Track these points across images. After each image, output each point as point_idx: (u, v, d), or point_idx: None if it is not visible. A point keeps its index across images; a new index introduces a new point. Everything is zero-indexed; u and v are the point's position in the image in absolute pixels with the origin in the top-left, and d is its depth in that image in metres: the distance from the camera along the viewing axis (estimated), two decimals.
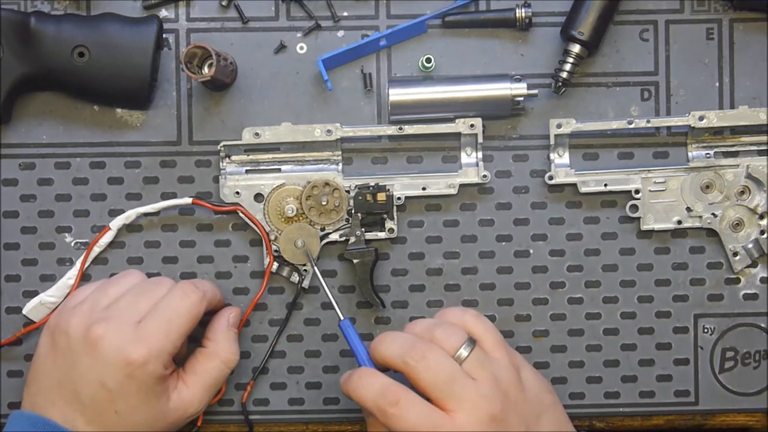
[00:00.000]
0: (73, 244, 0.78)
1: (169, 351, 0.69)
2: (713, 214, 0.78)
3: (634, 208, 0.78)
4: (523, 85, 0.76)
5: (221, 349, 0.73)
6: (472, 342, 0.67)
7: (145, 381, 0.68)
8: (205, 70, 0.74)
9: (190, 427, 0.78)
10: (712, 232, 0.79)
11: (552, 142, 0.78)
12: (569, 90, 0.78)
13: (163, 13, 0.78)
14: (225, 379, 0.75)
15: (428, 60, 0.78)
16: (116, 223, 0.77)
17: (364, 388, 0.67)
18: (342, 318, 0.73)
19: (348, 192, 0.77)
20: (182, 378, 0.72)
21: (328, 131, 0.77)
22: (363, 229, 0.77)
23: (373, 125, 0.78)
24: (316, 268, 0.75)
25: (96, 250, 0.78)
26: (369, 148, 0.79)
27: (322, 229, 0.78)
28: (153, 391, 0.69)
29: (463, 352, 0.66)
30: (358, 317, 0.79)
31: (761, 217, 0.78)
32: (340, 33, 0.78)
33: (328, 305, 0.79)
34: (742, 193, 0.78)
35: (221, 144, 0.77)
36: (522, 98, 0.76)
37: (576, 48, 0.76)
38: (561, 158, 0.78)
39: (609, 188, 0.78)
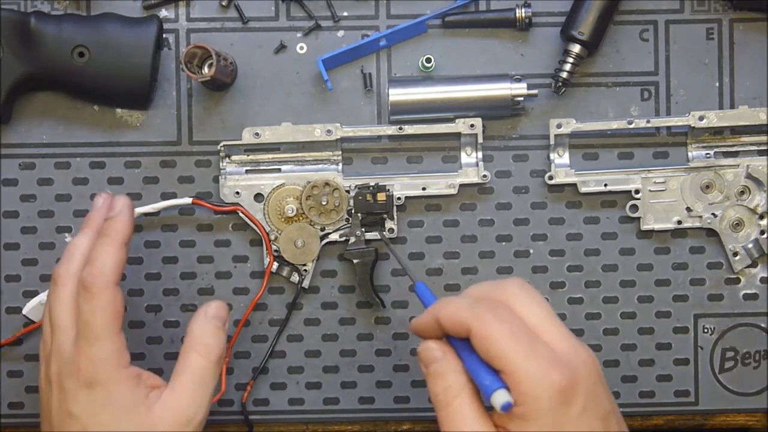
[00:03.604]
0: None
1: (110, 347, 0.64)
2: (713, 214, 0.78)
3: (634, 208, 0.78)
4: (523, 85, 0.76)
5: (196, 341, 0.67)
6: None
7: (108, 390, 0.64)
8: (205, 70, 0.74)
9: None
10: (712, 232, 0.79)
11: (552, 142, 0.78)
12: (569, 90, 0.78)
13: (163, 13, 0.78)
14: (214, 374, 0.67)
15: (428, 60, 0.78)
16: None
17: (457, 303, 0.60)
18: (414, 281, 0.68)
19: (348, 192, 0.77)
20: (168, 385, 0.67)
21: (328, 131, 0.77)
22: (363, 229, 0.77)
23: (373, 125, 0.79)
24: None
25: None
26: (369, 148, 0.79)
27: (322, 229, 0.78)
28: (123, 403, 0.64)
29: None
30: (358, 317, 0.79)
31: (761, 217, 0.78)
32: (340, 33, 0.78)
33: (328, 305, 0.79)
34: (742, 193, 0.78)
35: (221, 144, 0.77)
36: (522, 98, 0.76)
37: (576, 48, 0.76)
38: (561, 158, 0.78)
39: (609, 188, 0.78)
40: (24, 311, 0.77)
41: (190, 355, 0.66)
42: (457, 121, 0.77)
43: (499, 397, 0.57)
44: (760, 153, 0.78)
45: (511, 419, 0.57)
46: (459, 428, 0.59)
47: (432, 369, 0.61)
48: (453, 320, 0.59)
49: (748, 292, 0.79)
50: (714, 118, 0.77)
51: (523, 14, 0.77)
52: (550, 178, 0.78)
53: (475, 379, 0.59)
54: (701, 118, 0.77)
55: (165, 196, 0.78)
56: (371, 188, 0.77)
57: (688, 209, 0.78)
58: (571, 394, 0.57)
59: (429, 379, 0.61)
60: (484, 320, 0.58)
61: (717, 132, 0.78)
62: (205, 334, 0.67)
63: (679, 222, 0.78)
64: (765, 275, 0.79)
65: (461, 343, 0.60)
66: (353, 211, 0.77)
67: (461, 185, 0.78)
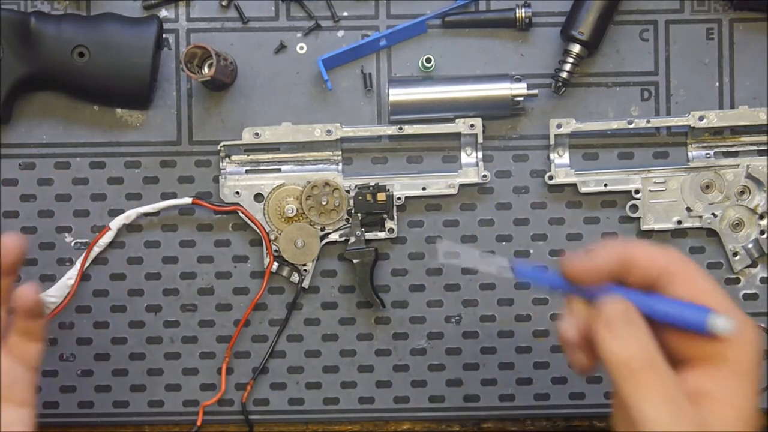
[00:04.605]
0: (73, 244, 0.78)
1: None
2: (713, 214, 0.78)
3: (634, 208, 0.78)
4: (523, 85, 0.76)
5: None
6: None
7: None
8: (205, 70, 0.74)
9: (190, 427, 0.79)
10: (712, 232, 0.79)
11: (552, 142, 0.78)
12: (569, 90, 0.78)
13: (163, 13, 0.78)
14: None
15: (428, 60, 0.78)
16: (116, 223, 0.78)
17: (650, 245, 0.54)
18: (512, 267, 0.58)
19: (348, 192, 0.77)
20: None
21: (328, 131, 0.77)
22: (363, 229, 0.77)
23: (373, 125, 0.79)
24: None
25: (96, 250, 0.78)
26: (369, 148, 0.79)
27: (322, 229, 0.78)
28: None
29: None
30: (358, 317, 0.79)
31: (761, 217, 0.78)
32: (340, 33, 0.78)
33: (328, 305, 0.79)
34: (742, 193, 0.78)
35: (221, 144, 0.77)
36: (522, 98, 0.76)
37: (576, 48, 0.76)
38: (561, 158, 0.78)
39: (609, 188, 0.78)
40: None
41: None
42: (457, 121, 0.77)
43: (721, 320, 0.50)
44: (760, 153, 0.78)
45: (710, 375, 0.51)
46: (659, 400, 0.50)
47: (628, 330, 0.51)
48: (652, 260, 0.53)
49: (748, 292, 0.79)
50: (714, 118, 0.77)
51: (523, 14, 0.77)
52: (550, 178, 0.78)
53: (672, 319, 0.52)
54: (701, 118, 0.77)
55: (165, 196, 0.78)
56: (371, 188, 0.77)
57: (688, 209, 0.78)
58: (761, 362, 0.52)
59: (619, 343, 0.51)
60: (689, 262, 0.53)
61: (717, 132, 0.78)
62: None
63: (679, 222, 0.78)
64: (765, 275, 0.79)
65: (633, 295, 0.53)
66: (353, 211, 0.77)
67: (461, 185, 0.78)
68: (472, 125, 0.77)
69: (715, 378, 0.51)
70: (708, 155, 0.78)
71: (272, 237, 0.78)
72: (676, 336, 0.53)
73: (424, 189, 0.78)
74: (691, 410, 0.50)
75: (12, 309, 0.64)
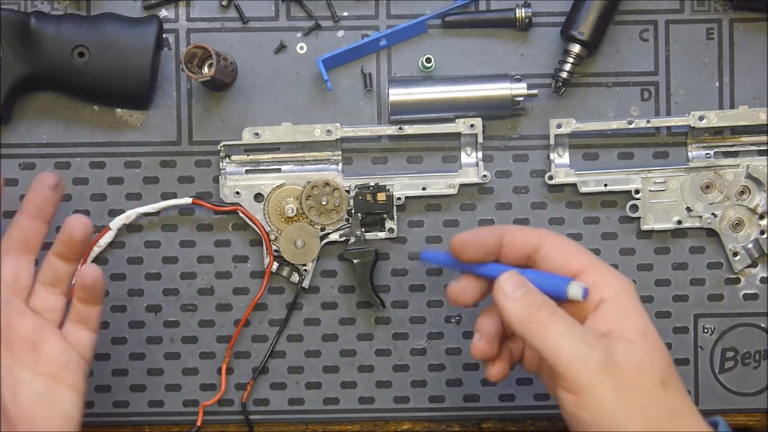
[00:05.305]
0: None
1: None
2: (713, 214, 0.78)
3: (634, 208, 0.78)
4: (523, 85, 0.76)
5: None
6: None
7: None
8: (205, 70, 0.74)
9: (190, 427, 0.79)
10: (712, 232, 0.79)
11: (552, 142, 0.78)
12: (569, 90, 0.78)
13: (163, 13, 0.78)
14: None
15: (428, 60, 0.78)
16: (116, 223, 0.78)
17: (522, 226, 0.68)
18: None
19: (348, 192, 0.77)
20: None
21: (328, 131, 0.77)
22: (363, 229, 0.77)
23: (373, 125, 0.79)
24: None
25: (96, 250, 0.78)
26: (369, 148, 0.79)
27: (322, 229, 0.78)
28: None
29: None
30: (358, 317, 0.79)
31: (761, 217, 0.78)
32: (340, 33, 0.78)
33: (328, 305, 0.79)
34: (742, 193, 0.78)
35: (221, 144, 0.77)
36: (522, 98, 0.76)
37: (576, 48, 0.76)
38: (561, 158, 0.78)
39: (609, 188, 0.78)
40: None
41: None
42: (457, 121, 0.77)
43: (576, 286, 0.62)
44: (760, 153, 0.78)
45: (604, 318, 0.62)
46: (566, 334, 0.60)
47: (521, 293, 0.62)
48: (523, 238, 0.65)
49: (748, 292, 0.79)
50: (714, 118, 0.77)
51: (523, 14, 0.77)
52: (550, 178, 0.78)
53: (543, 289, 0.63)
54: (701, 118, 0.77)
55: (165, 196, 0.78)
56: (371, 188, 0.77)
57: (688, 209, 0.78)
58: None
59: (517, 303, 0.62)
60: (555, 236, 0.65)
61: (717, 132, 0.78)
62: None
63: (679, 222, 0.78)
64: (765, 275, 0.79)
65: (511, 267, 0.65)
66: (353, 211, 0.77)
67: (461, 185, 0.78)
68: (472, 125, 0.77)
69: (609, 318, 0.61)
70: (708, 155, 0.78)
71: (272, 237, 0.78)
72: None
73: (424, 189, 0.78)
74: (599, 337, 0.60)
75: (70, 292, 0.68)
